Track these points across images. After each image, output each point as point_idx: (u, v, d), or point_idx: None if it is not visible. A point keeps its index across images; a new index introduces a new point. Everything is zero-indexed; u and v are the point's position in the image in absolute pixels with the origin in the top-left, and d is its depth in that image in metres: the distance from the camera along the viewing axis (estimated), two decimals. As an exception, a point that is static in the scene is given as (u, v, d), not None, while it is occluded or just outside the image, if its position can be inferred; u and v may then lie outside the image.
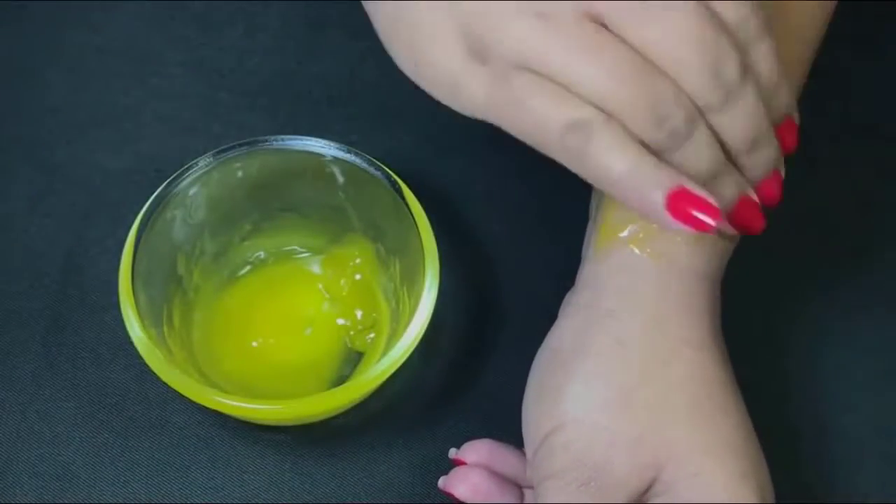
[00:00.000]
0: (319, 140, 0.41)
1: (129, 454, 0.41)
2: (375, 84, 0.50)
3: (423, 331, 0.38)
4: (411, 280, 0.40)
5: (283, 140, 0.41)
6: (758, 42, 0.31)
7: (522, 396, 0.37)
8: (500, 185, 0.48)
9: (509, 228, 0.47)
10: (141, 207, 0.39)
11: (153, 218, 0.39)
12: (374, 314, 0.42)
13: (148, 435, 0.41)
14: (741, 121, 0.31)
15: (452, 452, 0.39)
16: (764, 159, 0.33)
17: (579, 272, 0.39)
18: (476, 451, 0.39)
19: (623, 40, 0.29)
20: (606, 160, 0.29)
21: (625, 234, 0.37)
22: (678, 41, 0.29)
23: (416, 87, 0.32)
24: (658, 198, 0.29)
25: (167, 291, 0.41)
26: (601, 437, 0.34)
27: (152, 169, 0.46)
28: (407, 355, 0.37)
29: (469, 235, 0.46)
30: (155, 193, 0.39)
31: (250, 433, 0.41)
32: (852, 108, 0.50)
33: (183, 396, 0.36)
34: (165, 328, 0.40)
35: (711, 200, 0.30)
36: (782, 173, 0.34)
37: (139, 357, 0.37)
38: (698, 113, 0.30)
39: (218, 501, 0.40)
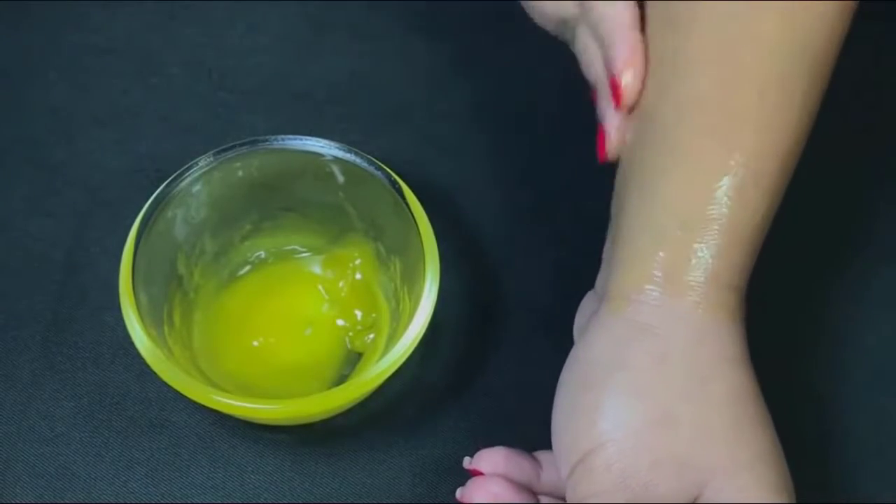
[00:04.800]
0: (319, 140, 0.41)
1: (128, 454, 0.41)
2: (375, 84, 0.50)
3: (423, 331, 0.38)
4: (411, 280, 0.40)
5: (283, 140, 0.41)
6: None
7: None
8: (500, 185, 0.48)
9: (509, 228, 0.47)
10: (141, 207, 0.39)
11: (153, 217, 0.39)
12: (374, 314, 0.42)
13: (148, 435, 0.41)
14: None
15: (467, 462, 0.38)
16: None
17: (602, 277, 0.38)
18: (491, 460, 0.38)
19: None
20: None
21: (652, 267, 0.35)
22: None
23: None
24: None
25: (167, 291, 0.41)
26: (644, 458, 0.33)
27: (152, 169, 0.46)
28: (407, 355, 0.37)
29: (469, 235, 0.46)
30: (155, 193, 0.39)
31: (250, 433, 0.41)
32: (853, 107, 0.50)
33: (183, 396, 0.36)
34: (166, 328, 0.40)
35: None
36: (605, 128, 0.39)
37: (139, 357, 0.37)
38: None
39: (218, 501, 0.40)
